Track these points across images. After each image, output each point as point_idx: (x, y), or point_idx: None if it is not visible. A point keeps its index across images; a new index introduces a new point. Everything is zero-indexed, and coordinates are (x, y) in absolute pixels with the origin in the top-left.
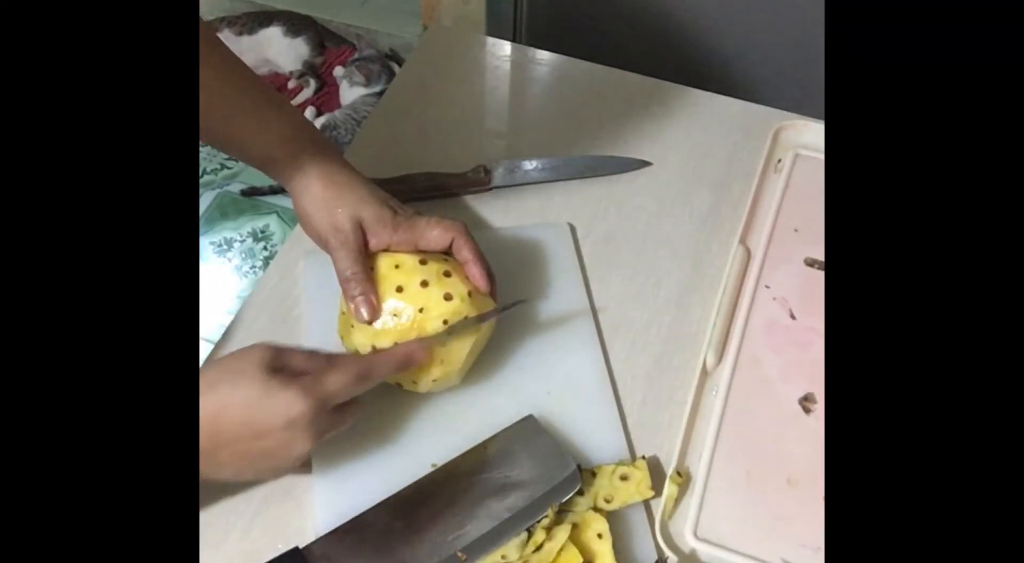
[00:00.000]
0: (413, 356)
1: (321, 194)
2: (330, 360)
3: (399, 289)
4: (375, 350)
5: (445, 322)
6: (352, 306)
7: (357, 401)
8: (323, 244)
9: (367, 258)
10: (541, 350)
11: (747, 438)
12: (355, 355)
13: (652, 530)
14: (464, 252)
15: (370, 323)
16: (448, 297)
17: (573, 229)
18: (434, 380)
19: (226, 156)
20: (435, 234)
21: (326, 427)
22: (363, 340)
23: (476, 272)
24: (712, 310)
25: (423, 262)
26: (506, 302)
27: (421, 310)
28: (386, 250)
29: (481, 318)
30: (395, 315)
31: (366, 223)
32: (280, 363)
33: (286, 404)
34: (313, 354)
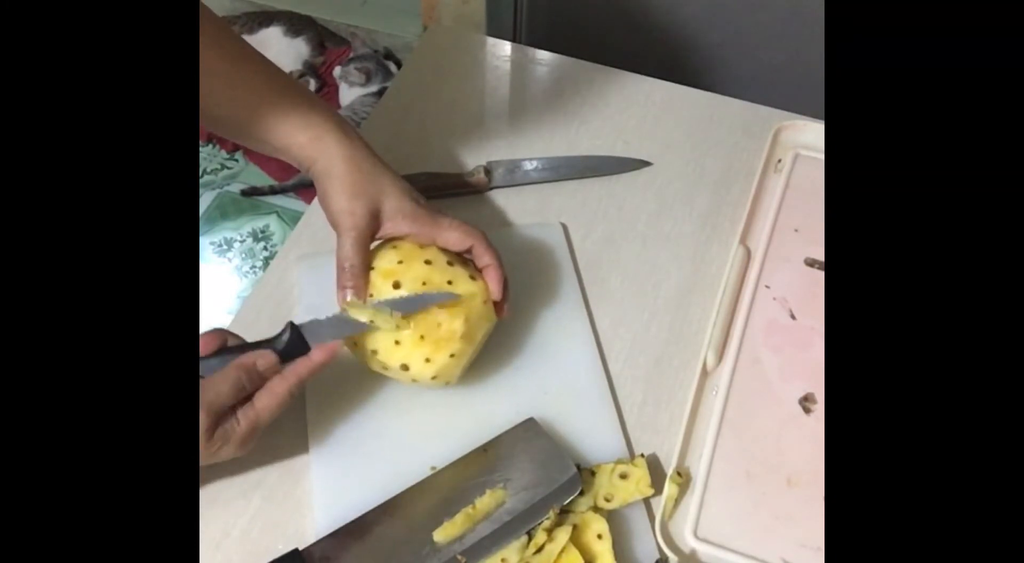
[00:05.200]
0: (322, 360)
1: (345, 177)
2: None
3: (396, 285)
4: (373, 352)
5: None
6: (340, 295)
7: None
8: (335, 226)
9: (368, 252)
10: (537, 351)
11: (747, 438)
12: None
13: (652, 530)
14: (485, 258)
15: None
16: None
17: (566, 228)
18: (433, 378)
19: (226, 156)
20: (455, 235)
21: (218, 424)
22: (380, 344)
23: (494, 277)
24: (712, 310)
25: (427, 262)
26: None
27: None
28: (401, 239)
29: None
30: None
31: (385, 212)
32: None
33: None
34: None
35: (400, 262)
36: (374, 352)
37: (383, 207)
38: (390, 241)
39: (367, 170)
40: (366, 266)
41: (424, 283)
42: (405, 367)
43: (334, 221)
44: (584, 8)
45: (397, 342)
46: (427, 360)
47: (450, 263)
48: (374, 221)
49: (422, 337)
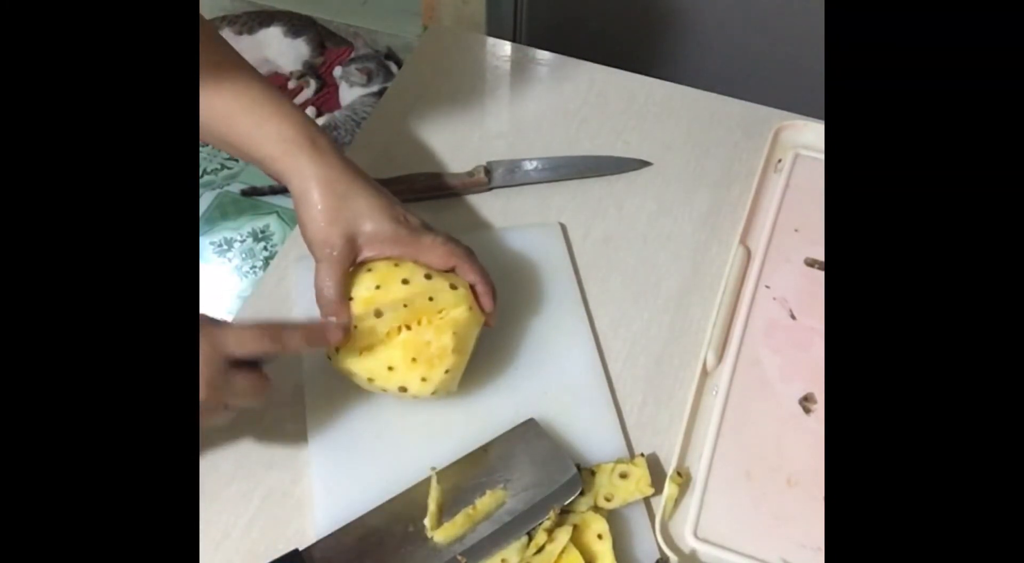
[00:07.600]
0: (327, 333)
1: (318, 203)
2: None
3: (378, 314)
4: (370, 380)
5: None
6: (326, 328)
7: (264, 377)
8: (312, 253)
9: (347, 279)
10: (537, 351)
11: (747, 438)
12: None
13: (652, 530)
14: (470, 276)
15: (336, 349)
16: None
17: (566, 229)
18: (433, 393)
19: (226, 156)
20: (437, 255)
21: (217, 379)
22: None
23: (483, 294)
24: (712, 310)
25: (405, 281)
26: (502, 311)
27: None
28: (375, 260)
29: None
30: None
31: (363, 236)
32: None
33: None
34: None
35: (378, 287)
36: (371, 380)
37: (361, 232)
38: (364, 263)
39: (341, 192)
40: (345, 294)
41: (405, 305)
42: (403, 389)
43: (310, 249)
44: (584, 8)
45: (390, 368)
46: (423, 380)
47: (428, 276)
48: (351, 247)
49: (414, 360)
